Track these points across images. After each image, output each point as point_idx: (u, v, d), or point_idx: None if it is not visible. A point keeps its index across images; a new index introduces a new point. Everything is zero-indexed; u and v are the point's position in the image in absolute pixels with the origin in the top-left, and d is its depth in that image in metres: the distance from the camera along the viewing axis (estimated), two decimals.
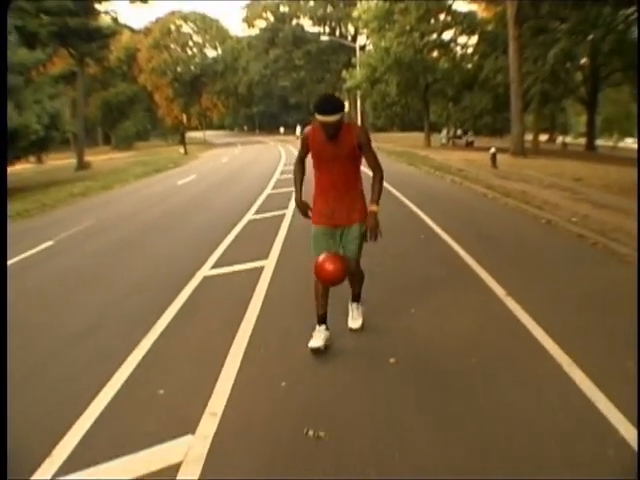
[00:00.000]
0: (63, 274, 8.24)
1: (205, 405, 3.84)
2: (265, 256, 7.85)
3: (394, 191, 14.28)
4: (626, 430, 3.22)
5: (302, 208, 4.67)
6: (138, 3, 43.44)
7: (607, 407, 3.52)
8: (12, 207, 15.89)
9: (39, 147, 26.04)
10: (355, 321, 5.09)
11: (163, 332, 5.29)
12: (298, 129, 61.89)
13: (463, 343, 4.73)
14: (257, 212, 12.44)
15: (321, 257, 4.36)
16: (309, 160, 4.62)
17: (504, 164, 21.53)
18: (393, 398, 3.84)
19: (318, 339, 4.60)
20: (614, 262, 7.29)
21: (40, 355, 5.02)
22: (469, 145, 42.30)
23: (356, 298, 5.10)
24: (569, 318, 5.20)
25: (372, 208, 4.42)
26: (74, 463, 3.23)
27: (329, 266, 4.29)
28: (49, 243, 10.38)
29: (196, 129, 77.10)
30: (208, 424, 3.61)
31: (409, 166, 23.40)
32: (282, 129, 76.23)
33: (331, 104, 4.21)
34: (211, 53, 76.56)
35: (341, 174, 4.47)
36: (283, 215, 11.36)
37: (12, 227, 13.12)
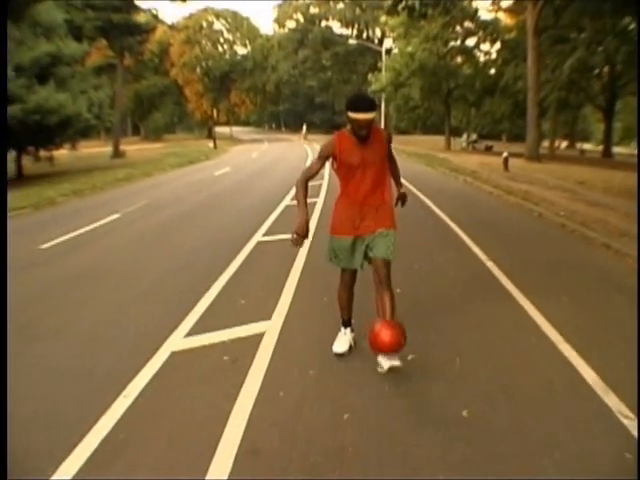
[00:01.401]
0: (139, 236, 10.20)
1: (275, 307, 5.73)
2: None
3: (410, 186, 15.94)
4: (550, 343, 4.96)
5: (303, 229, 4.15)
6: (178, 2, 45.35)
7: (548, 328, 5.28)
8: (65, 187, 17.94)
9: (83, 134, 27.93)
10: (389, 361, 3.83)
11: (235, 272, 7.24)
12: (304, 128, 63.47)
13: (451, 282, 6.52)
14: (293, 199, 14.26)
15: (377, 326, 3.73)
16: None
17: (516, 167, 23.08)
18: None
19: (343, 343, 4.56)
20: (582, 243, 9.15)
21: (146, 285, 6.89)
22: (488, 149, 43.67)
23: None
24: (533, 276, 6.96)
25: (401, 190, 4.70)
26: (203, 325, 5.12)
27: (386, 335, 3.65)
28: (116, 215, 12.28)
29: (224, 124, 78.78)
30: (280, 313, 5.58)
31: (427, 167, 25.03)
32: (305, 127, 78.14)
33: (366, 102, 3.95)
34: (241, 50, 78.22)
35: (373, 181, 4.15)
36: (315, 202, 13.00)
37: (73, 203, 15.27)
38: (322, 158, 4.21)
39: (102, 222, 11.51)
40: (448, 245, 8.72)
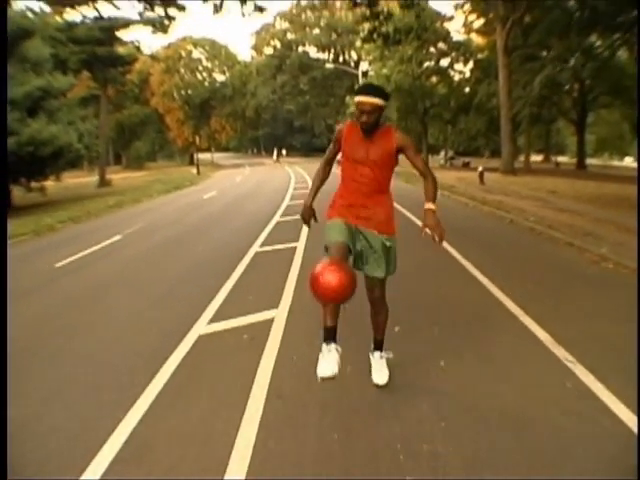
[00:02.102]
0: (145, 252, 11.01)
1: (279, 301, 6.60)
2: (296, 240, 10.70)
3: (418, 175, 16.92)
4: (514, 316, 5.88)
5: (307, 213, 4.07)
6: (159, 33, 46.44)
7: (512, 305, 6.19)
8: (61, 214, 18.69)
9: (72, 165, 28.74)
10: (380, 375, 4.22)
11: (240, 276, 8.14)
12: (275, 153, 65.03)
13: (431, 275, 7.44)
14: (283, 215, 15.20)
15: (319, 265, 3.32)
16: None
17: (492, 181, 24.25)
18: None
19: (329, 364, 3.51)
20: (548, 243, 10.19)
21: (161, 290, 7.73)
22: (465, 165, 45.01)
23: (378, 345, 4.28)
24: (501, 269, 7.93)
25: (428, 206, 3.82)
26: (221, 316, 5.94)
27: (329, 276, 3.22)
28: (118, 237, 13.09)
29: (206, 150, 79.74)
30: (285, 304, 6.46)
31: (406, 183, 25.95)
32: (284, 151, 79.77)
33: (372, 86, 3.78)
34: (220, 78, 79.30)
35: (370, 180, 3.86)
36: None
37: (72, 229, 15.99)
38: (334, 143, 4.07)
39: (107, 242, 12.32)
40: (427, 247, 9.63)
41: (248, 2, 14.70)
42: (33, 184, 26.38)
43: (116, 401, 4.20)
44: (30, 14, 29.50)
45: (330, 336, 3.62)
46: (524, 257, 9.03)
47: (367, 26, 19.02)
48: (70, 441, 3.69)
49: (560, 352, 4.73)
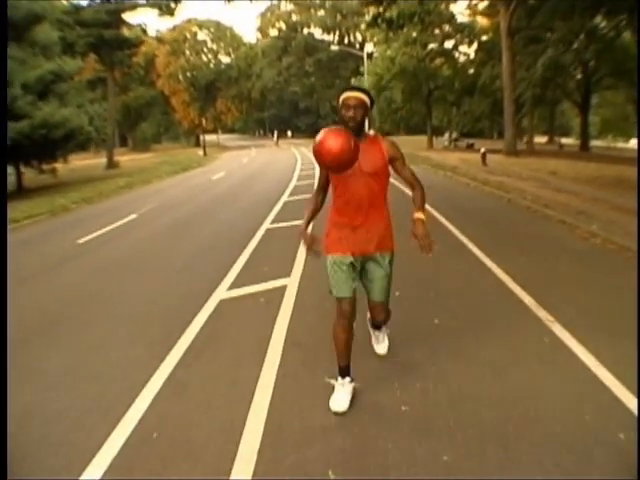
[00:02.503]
0: (163, 228, 11.75)
1: (291, 270, 7.24)
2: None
3: (395, 182, 17.45)
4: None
5: (306, 240, 3.74)
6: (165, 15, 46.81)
7: (504, 276, 6.79)
8: (73, 196, 19.31)
9: (81, 147, 29.34)
10: (381, 346, 4.40)
11: (254, 249, 8.83)
12: (275, 135, 65.58)
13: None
14: (290, 195, 15.84)
15: (321, 135, 3.40)
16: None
17: (494, 162, 24.63)
18: None
19: (341, 401, 3.79)
20: (542, 220, 10.79)
21: (183, 261, 8.41)
22: (469, 147, 45.27)
23: (377, 326, 4.34)
24: (496, 243, 8.53)
25: (417, 215, 3.75)
26: (239, 283, 6.55)
27: (331, 143, 3.32)
28: (134, 215, 13.74)
29: (211, 132, 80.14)
30: (296, 274, 7.11)
31: (410, 165, 26.54)
32: (290, 133, 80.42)
33: (356, 87, 3.78)
34: (225, 59, 79.62)
35: (364, 194, 3.68)
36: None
37: (86, 209, 16.68)
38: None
39: (124, 221, 12.99)
40: (433, 230, 10.26)
41: None
42: (44, 166, 27.04)
43: (151, 352, 4.85)
44: None
45: (344, 373, 3.88)
46: (517, 233, 9.67)
47: (371, 11, 19.34)
48: (119, 381, 4.36)
49: (542, 313, 5.34)
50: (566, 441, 3.28)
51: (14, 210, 15.61)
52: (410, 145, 45.67)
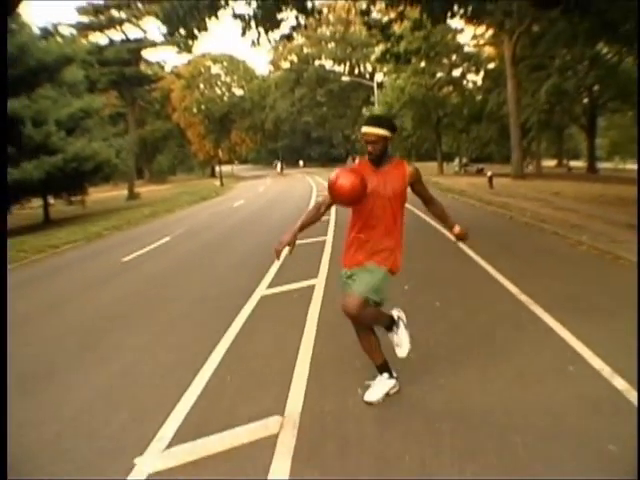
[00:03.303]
0: (197, 248, 13.15)
1: (318, 273, 8.44)
2: (325, 234, 12.70)
3: (408, 205, 18.71)
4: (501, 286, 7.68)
5: (288, 241, 4.19)
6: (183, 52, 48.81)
7: (496, 274, 7.98)
8: (104, 224, 20.75)
9: (106, 179, 30.89)
10: (398, 350, 4.33)
11: (283, 261, 9.89)
12: (278, 165, 67.20)
13: (438, 254, 9.25)
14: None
15: (334, 174, 3.82)
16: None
17: (501, 185, 25.83)
18: None
19: (376, 394, 4.15)
20: (537, 232, 12.09)
21: (222, 270, 9.66)
22: (479, 172, 46.38)
23: (389, 328, 4.33)
24: (493, 251, 9.75)
25: (457, 229, 4.30)
26: (275, 284, 7.72)
27: (343, 181, 3.72)
28: (167, 238, 15.07)
29: (226, 163, 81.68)
30: (322, 275, 8.32)
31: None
32: (301, 162, 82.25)
33: (377, 118, 4.05)
34: (239, 92, 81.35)
35: (383, 216, 3.94)
36: (328, 219, 15.69)
37: (118, 235, 18.12)
38: None
39: (159, 243, 14.33)
40: (436, 238, 11.52)
41: (275, 30, 16.31)
42: (72, 198, 28.56)
43: (209, 335, 6.07)
44: (59, 39, 31.77)
45: (382, 370, 4.21)
46: (513, 242, 10.99)
47: (380, 48, 20.62)
48: (198, 343, 5.60)
49: (523, 297, 6.60)
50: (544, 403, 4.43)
51: (51, 238, 17.13)
52: (421, 171, 46.76)
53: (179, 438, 3.80)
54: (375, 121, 3.91)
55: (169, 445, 3.71)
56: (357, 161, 4.20)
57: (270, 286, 8.10)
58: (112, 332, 6.62)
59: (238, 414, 4.09)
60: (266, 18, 15.77)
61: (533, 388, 4.24)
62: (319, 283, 7.96)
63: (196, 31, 15.72)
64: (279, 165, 69.09)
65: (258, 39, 16.31)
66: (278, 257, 4.17)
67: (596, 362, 4.59)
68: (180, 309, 7.40)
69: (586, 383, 4.24)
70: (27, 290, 9.98)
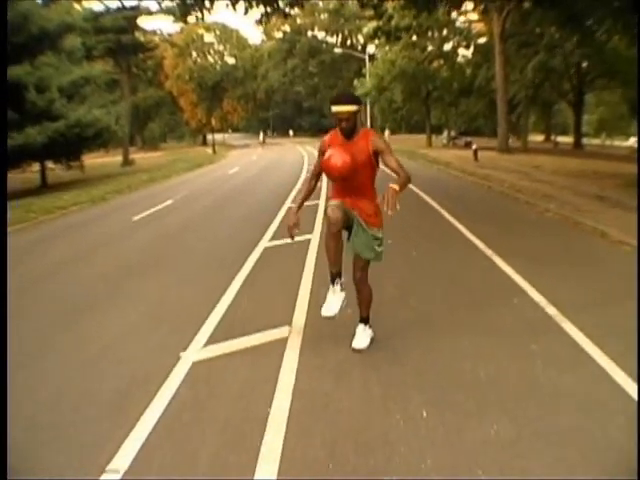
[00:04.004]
0: (201, 210, 14.17)
1: (313, 230, 9.46)
2: (318, 199, 13.64)
3: (395, 175, 19.82)
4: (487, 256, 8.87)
5: (292, 220, 4.71)
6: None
7: (475, 240, 9.17)
8: (104, 188, 21.39)
9: (104, 145, 31.54)
10: (358, 341, 4.64)
11: (280, 221, 11.17)
12: (261, 135, 68.12)
13: (421, 220, 10.43)
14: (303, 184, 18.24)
15: (327, 154, 4.20)
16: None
17: (486, 158, 26.85)
18: None
19: (331, 307, 4.44)
20: (511, 202, 13.33)
21: (228, 230, 10.83)
22: (467, 145, 47.09)
23: (363, 320, 4.71)
24: (471, 217, 10.94)
25: (392, 185, 4.03)
26: (276, 239, 8.87)
27: (335, 160, 4.09)
28: (170, 201, 16.12)
29: (218, 131, 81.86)
30: (317, 232, 9.29)
31: (409, 160, 28.64)
32: (291, 132, 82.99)
33: (345, 96, 4.28)
34: (231, 61, 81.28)
35: (355, 182, 4.29)
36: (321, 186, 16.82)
37: (121, 199, 18.96)
38: (320, 155, 4.48)
39: (163, 205, 15.39)
40: (420, 206, 12.69)
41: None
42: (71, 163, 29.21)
43: (218, 283, 7.20)
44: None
45: (333, 279, 4.48)
46: (487, 209, 12.31)
47: (372, 24, 21.42)
48: (214, 282, 6.74)
49: (489, 252, 7.87)
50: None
51: (58, 200, 17.83)
52: (410, 143, 47.89)
53: (212, 340, 4.99)
54: (344, 99, 4.23)
55: (205, 345, 4.90)
56: (330, 132, 4.53)
57: (272, 239, 9.37)
58: (144, 275, 7.77)
59: (256, 324, 5.29)
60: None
61: (486, 314, 5.46)
62: (314, 237, 9.12)
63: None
64: (261, 135, 69.90)
65: (267, 14, 16.93)
66: (292, 237, 4.73)
67: (535, 295, 5.82)
68: (197, 259, 8.54)
69: (526, 311, 5.46)
70: (49, 245, 10.84)
